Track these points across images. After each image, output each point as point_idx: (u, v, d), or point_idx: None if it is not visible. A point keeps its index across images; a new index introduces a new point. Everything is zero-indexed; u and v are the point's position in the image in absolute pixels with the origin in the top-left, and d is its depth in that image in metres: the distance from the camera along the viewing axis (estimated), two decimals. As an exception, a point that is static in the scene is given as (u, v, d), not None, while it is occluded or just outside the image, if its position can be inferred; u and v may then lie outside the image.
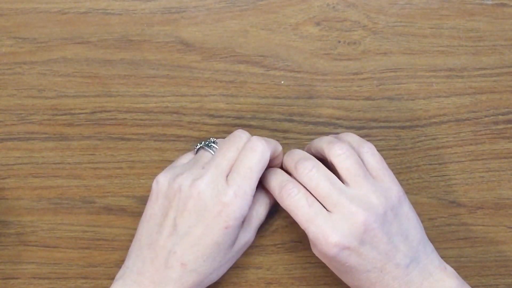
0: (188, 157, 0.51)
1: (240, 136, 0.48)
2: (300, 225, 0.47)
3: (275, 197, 0.49)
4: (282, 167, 0.51)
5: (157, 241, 0.47)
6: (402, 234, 0.47)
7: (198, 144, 0.50)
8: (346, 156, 0.47)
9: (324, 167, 0.48)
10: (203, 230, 0.46)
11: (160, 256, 0.46)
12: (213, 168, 0.47)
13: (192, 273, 0.46)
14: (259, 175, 0.47)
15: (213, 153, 0.49)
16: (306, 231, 0.47)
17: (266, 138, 0.49)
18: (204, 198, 0.46)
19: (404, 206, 0.48)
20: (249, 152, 0.47)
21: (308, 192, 0.47)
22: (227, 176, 0.47)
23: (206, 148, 0.49)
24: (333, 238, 0.45)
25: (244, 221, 0.48)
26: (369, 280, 0.47)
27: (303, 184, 0.47)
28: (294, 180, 0.48)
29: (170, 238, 0.46)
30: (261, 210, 0.51)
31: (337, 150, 0.48)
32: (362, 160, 0.49)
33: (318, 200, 0.47)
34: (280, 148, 0.49)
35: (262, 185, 0.50)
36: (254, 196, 0.48)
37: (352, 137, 0.50)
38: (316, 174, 0.47)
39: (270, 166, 0.49)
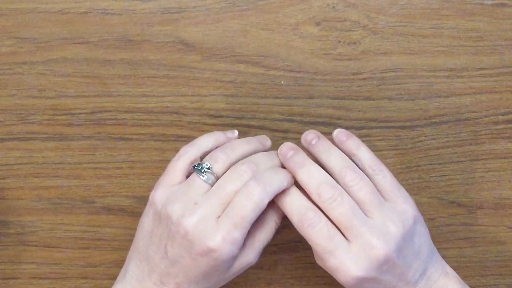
0: (179, 167, 0.48)
1: (241, 174, 0.46)
2: (319, 255, 0.46)
3: (293, 223, 0.47)
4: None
5: (152, 259, 0.47)
6: (415, 252, 0.47)
7: (192, 167, 0.47)
8: (359, 187, 0.46)
9: (348, 196, 0.46)
10: (191, 263, 0.45)
11: (156, 273, 0.46)
12: (205, 207, 0.45)
13: None
14: (253, 220, 0.45)
15: (206, 181, 0.46)
16: (324, 261, 0.46)
17: (275, 170, 0.47)
18: (190, 238, 0.45)
19: (418, 225, 0.47)
20: (244, 199, 0.45)
21: (329, 221, 0.46)
22: (218, 217, 0.45)
23: (200, 175, 0.47)
24: (354, 272, 0.45)
25: (246, 242, 0.46)
26: None
27: (325, 211, 0.46)
28: (315, 208, 0.46)
29: (163, 261, 0.46)
30: (266, 235, 0.49)
31: (350, 182, 0.46)
32: (373, 181, 0.48)
33: (338, 228, 0.46)
34: (289, 180, 0.47)
35: (269, 205, 0.47)
36: (260, 218, 0.46)
37: (363, 154, 0.48)
38: (340, 205, 0.45)
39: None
